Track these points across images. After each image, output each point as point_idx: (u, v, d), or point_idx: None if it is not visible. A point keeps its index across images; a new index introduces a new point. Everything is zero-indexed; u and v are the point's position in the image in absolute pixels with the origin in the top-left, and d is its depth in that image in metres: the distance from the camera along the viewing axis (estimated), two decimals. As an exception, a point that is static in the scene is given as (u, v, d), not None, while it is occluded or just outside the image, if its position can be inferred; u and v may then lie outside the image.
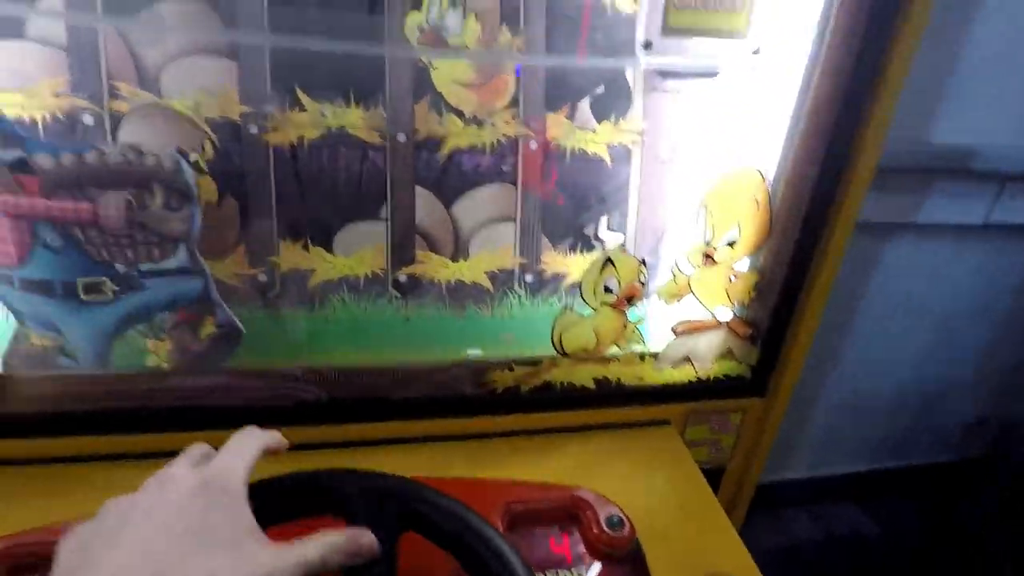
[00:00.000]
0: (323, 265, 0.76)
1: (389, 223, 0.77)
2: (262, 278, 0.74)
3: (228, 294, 0.72)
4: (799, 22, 0.64)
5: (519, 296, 0.84)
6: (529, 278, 0.84)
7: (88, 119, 0.64)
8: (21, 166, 0.57)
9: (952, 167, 1.24)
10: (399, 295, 0.80)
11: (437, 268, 0.80)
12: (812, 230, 0.73)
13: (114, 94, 0.64)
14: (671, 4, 0.62)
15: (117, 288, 0.62)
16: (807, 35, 0.65)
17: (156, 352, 0.68)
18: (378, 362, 0.76)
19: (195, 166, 0.67)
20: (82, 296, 0.62)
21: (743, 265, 0.76)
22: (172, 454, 0.45)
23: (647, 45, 0.68)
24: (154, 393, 0.67)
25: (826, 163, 0.68)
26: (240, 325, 0.69)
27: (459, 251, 0.82)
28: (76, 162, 0.59)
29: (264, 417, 0.70)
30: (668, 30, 0.63)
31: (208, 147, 0.68)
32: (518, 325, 0.84)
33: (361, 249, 0.77)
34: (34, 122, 0.62)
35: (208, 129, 0.68)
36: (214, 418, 0.69)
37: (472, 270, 0.82)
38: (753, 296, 0.78)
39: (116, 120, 0.65)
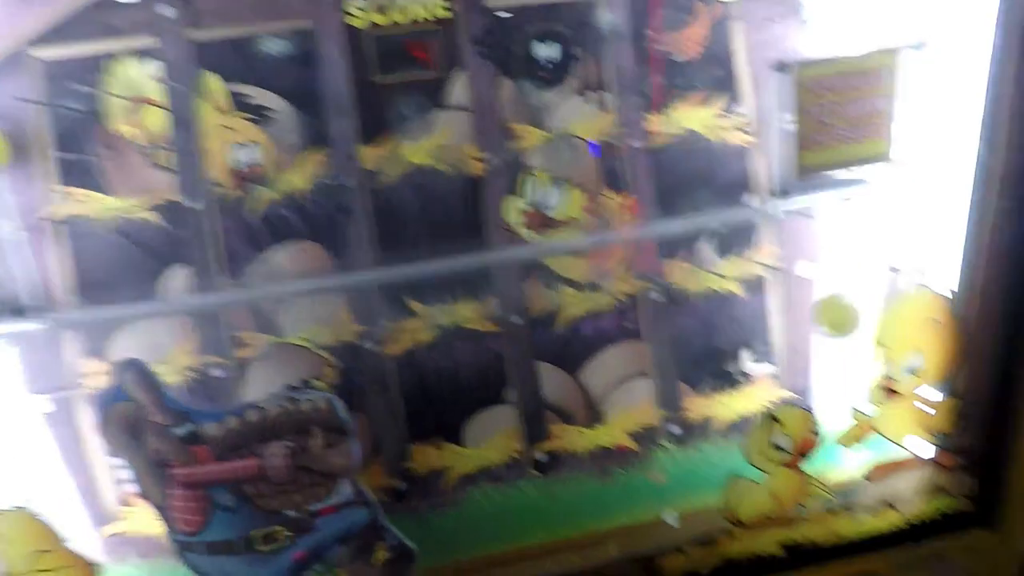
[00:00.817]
0: (457, 460, 0.72)
1: (517, 404, 0.73)
2: (401, 486, 0.71)
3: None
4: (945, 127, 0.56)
5: (668, 450, 0.76)
6: (675, 428, 0.76)
7: (219, 372, 0.66)
8: (192, 438, 0.60)
9: None
10: (540, 473, 0.74)
11: (574, 439, 0.74)
12: (1017, 334, 0.61)
13: (237, 342, 0.66)
14: (802, 143, 0.55)
15: (291, 533, 0.63)
16: (956, 139, 0.56)
17: None
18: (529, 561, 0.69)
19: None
20: (262, 547, 0.63)
21: (934, 394, 0.65)
22: None
23: (783, 193, 0.60)
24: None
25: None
26: (411, 545, 0.67)
27: (594, 417, 0.76)
28: (239, 422, 0.61)
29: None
30: (803, 170, 0.56)
31: (328, 372, 0.68)
32: (672, 478, 0.76)
33: (492, 436, 0.73)
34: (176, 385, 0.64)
35: (325, 354, 0.67)
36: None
37: (611, 433, 0.75)
38: (958, 423, 0.65)
39: (243, 367, 0.66)
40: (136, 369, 0.58)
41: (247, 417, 0.59)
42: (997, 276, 0.58)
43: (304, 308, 0.67)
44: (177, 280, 0.64)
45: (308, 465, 0.61)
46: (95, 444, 0.63)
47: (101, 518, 0.67)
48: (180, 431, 0.59)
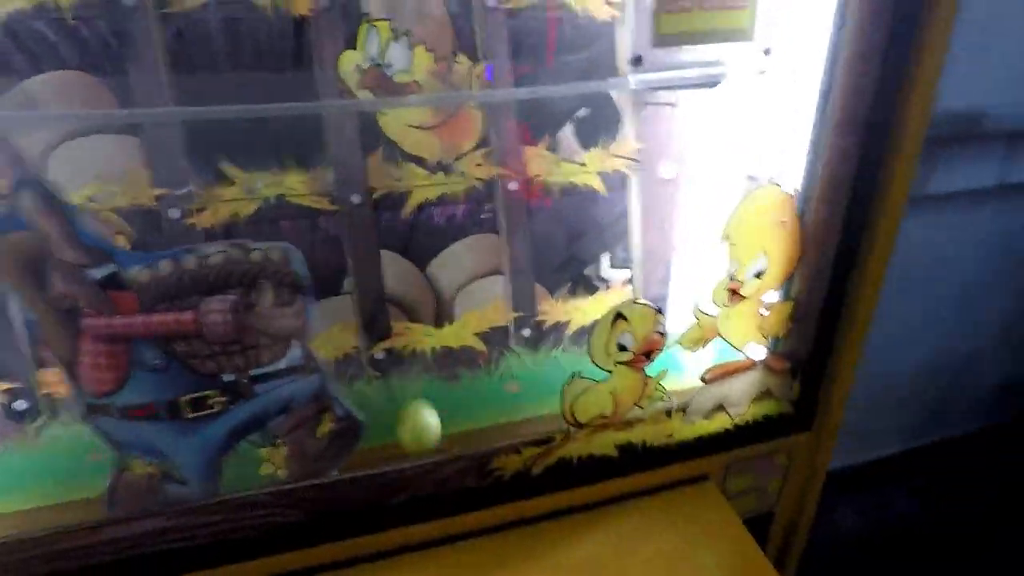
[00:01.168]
0: (285, 355, 0.64)
1: (355, 297, 0.65)
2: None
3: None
4: (811, 12, 0.53)
5: (518, 354, 0.73)
6: (527, 332, 0.73)
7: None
8: (113, 282, 0.49)
9: (960, 132, 1.15)
10: (378, 374, 0.69)
11: (419, 338, 0.69)
12: (852, 239, 0.62)
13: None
14: (661, 8, 0.50)
15: (225, 399, 0.56)
16: (822, 26, 0.54)
17: (272, 460, 0.59)
18: (365, 462, 0.64)
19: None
20: (188, 414, 0.55)
21: (772, 295, 0.65)
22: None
23: (636, 60, 0.56)
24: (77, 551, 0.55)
25: (865, 159, 0.57)
26: (360, 417, 0.60)
27: (443, 315, 0.70)
28: (174, 268, 0.50)
29: (235, 552, 0.59)
30: (660, 39, 0.51)
31: (122, 241, 0.56)
32: (521, 382, 0.73)
33: (327, 330, 0.66)
34: None
35: (120, 220, 0.56)
36: (174, 560, 0.58)
37: (460, 334, 0.70)
38: (790, 326, 0.67)
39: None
40: (36, 189, 0.46)
41: (184, 263, 0.51)
42: (838, 179, 0.58)
43: (85, 158, 0.54)
44: None
45: (254, 324, 0.53)
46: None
47: None
48: (97, 272, 0.49)
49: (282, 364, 0.56)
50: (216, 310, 0.51)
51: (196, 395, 0.55)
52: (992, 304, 1.50)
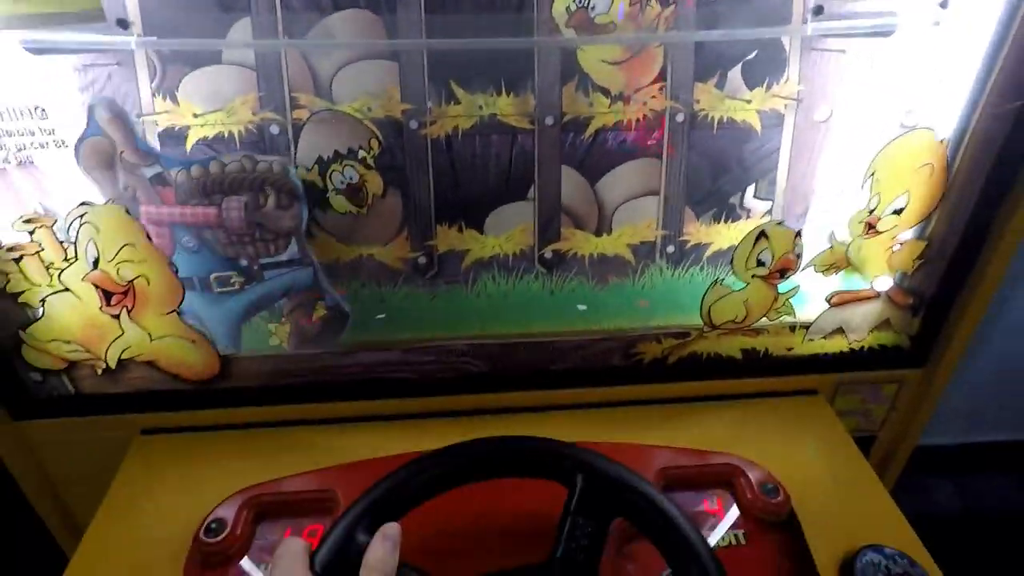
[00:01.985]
0: (475, 245, 0.81)
1: (536, 203, 0.80)
2: (422, 260, 0.81)
3: (393, 276, 0.80)
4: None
5: (660, 267, 0.85)
6: (671, 249, 0.84)
7: (275, 129, 0.72)
8: (159, 180, 0.67)
9: None
10: (545, 270, 0.84)
11: (581, 243, 0.83)
12: (995, 191, 0.67)
13: (295, 104, 0.71)
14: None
15: (242, 280, 0.72)
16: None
17: (277, 334, 0.77)
18: (529, 336, 0.81)
19: (363, 162, 0.74)
20: (215, 289, 0.72)
21: (908, 234, 0.72)
22: (360, 419, 0.65)
23: (818, 10, 0.63)
24: (342, 368, 0.76)
25: (1016, 125, 0.62)
26: (347, 307, 0.76)
27: (603, 226, 0.84)
28: (202, 173, 0.67)
29: (434, 387, 0.79)
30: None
31: (374, 144, 0.74)
32: (658, 295, 0.85)
33: (510, 229, 0.81)
34: (232, 136, 0.71)
35: (374, 128, 0.73)
36: (392, 388, 0.78)
37: (614, 243, 0.84)
38: (917, 265, 0.73)
39: (297, 128, 0.72)
40: (109, 106, 0.63)
41: (210, 169, 0.66)
42: (990, 137, 0.63)
43: (359, 79, 0.71)
44: (240, 32, 0.68)
45: (260, 221, 0.68)
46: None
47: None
48: (149, 172, 0.66)
49: (284, 256, 0.71)
50: (233, 207, 0.66)
51: (220, 274, 0.70)
52: None
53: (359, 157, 0.74)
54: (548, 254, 0.83)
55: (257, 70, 0.70)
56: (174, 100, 0.68)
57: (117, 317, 0.71)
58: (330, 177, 0.75)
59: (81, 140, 0.64)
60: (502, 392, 0.78)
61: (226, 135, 0.71)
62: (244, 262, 0.71)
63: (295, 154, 0.74)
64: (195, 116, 0.68)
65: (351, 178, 0.75)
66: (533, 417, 0.80)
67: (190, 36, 0.67)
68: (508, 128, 0.75)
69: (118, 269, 0.68)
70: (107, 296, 0.69)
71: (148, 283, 0.69)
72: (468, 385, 0.78)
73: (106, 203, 0.66)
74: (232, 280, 0.71)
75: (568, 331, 0.83)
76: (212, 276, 0.71)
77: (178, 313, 0.73)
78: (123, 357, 0.74)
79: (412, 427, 0.79)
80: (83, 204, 0.65)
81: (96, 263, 0.68)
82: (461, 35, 0.68)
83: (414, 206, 0.78)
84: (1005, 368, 1.47)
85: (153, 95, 0.68)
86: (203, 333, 0.74)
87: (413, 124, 0.74)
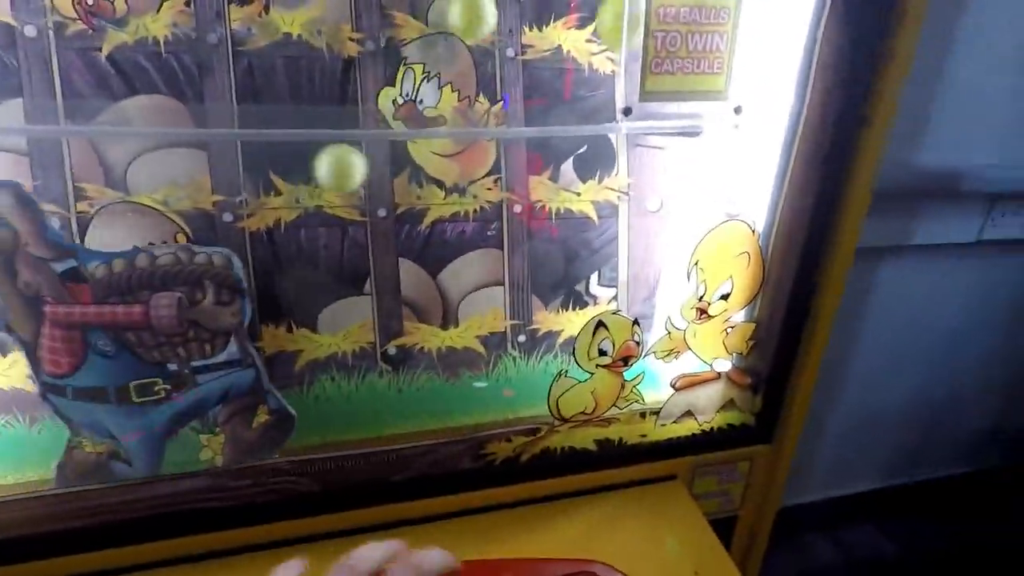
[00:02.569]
0: (309, 345, 0.74)
1: (374, 297, 0.75)
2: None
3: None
4: (779, 76, 0.64)
5: (513, 357, 0.82)
6: (522, 339, 0.82)
7: (55, 223, 0.63)
8: (73, 275, 0.57)
9: (940, 189, 1.24)
10: (389, 368, 0.78)
11: (427, 337, 0.78)
12: (807, 274, 0.72)
13: (80, 195, 0.63)
14: (647, 69, 0.61)
15: (169, 387, 0.62)
16: (788, 88, 0.64)
17: (210, 446, 0.67)
18: (373, 443, 0.73)
19: (171, 258, 0.66)
20: (134, 399, 0.61)
21: (739, 316, 0.75)
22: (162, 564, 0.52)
23: (627, 112, 0.67)
24: (134, 503, 0.64)
25: (818, 207, 0.67)
26: (291, 410, 0.67)
27: (448, 319, 0.80)
28: (127, 266, 0.58)
29: (257, 515, 0.68)
30: (646, 95, 0.62)
31: (181, 239, 0.66)
32: (517, 385, 0.82)
33: (348, 325, 0.75)
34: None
35: (180, 221, 0.66)
36: (206, 520, 0.66)
37: (463, 336, 0.80)
38: (751, 345, 0.76)
39: (83, 223, 0.63)
40: (16, 193, 0.54)
41: (136, 262, 0.58)
42: (797, 217, 0.68)
43: (160, 168, 0.65)
44: (11, 113, 0.59)
45: (196, 319, 0.60)
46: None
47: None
48: (60, 266, 0.56)
49: (221, 357, 0.62)
50: (164, 304, 0.58)
51: (143, 381, 0.60)
52: (973, 351, 1.57)
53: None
54: (392, 350, 0.77)
55: (31, 156, 0.61)
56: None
57: None
58: (128, 277, 0.66)
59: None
60: (336, 512, 0.69)
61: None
62: (172, 366, 0.61)
63: (82, 252, 0.64)
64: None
65: (154, 277, 0.66)
66: (378, 536, 0.71)
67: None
68: (337, 220, 0.71)
69: None
70: None
71: None
72: (296, 509, 0.68)
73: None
74: (157, 388, 0.61)
75: (420, 431, 0.77)
76: (132, 384, 0.60)
77: (72, 427, 0.60)
78: None
79: (231, 566, 0.67)
80: None
81: None
82: (277, 125, 0.64)
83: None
84: (861, 421, 1.58)
85: None
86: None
87: (227, 217, 0.67)
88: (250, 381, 0.64)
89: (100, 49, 0.59)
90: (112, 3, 0.58)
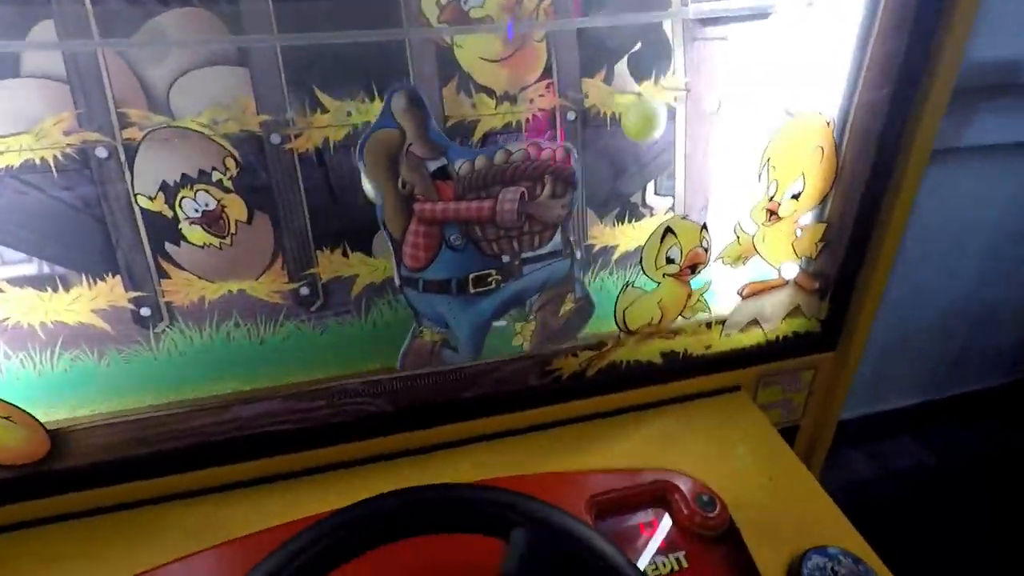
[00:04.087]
0: (365, 269, 0.72)
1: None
2: (304, 291, 0.71)
3: (272, 312, 0.69)
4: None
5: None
6: (578, 255, 0.80)
7: (102, 152, 0.60)
8: (442, 173, 0.60)
9: (994, 83, 1.17)
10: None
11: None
12: (883, 171, 0.68)
13: (125, 122, 0.60)
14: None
15: (500, 278, 0.66)
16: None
17: (522, 334, 0.70)
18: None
19: (219, 185, 0.64)
20: (471, 289, 0.65)
21: (807, 218, 0.72)
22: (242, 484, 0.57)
23: None
24: (211, 427, 0.64)
25: (896, 98, 0.63)
26: (594, 297, 0.70)
27: (503, 237, 0.78)
28: (486, 164, 0.61)
29: (328, 436, 0.68)
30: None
31: (230, 164, 0.64)
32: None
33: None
34: (44, 162, 0.59)
35: (228, 145, 0.63)
36: (277, 444, 0.67)
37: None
38: (820, 247, 0.73)
39: (131, 150, 0.61)
40: (409, 96, 0.57)
41: (495, 158, 0.61)
42: (872, 114, 0.63)
43: (202, 89, 0.61)
44: (44, 34, 0.56)
45: (533, 212, 0.63)
46: None
47: None
48: (433, 165, 0.60)
49: (546, 249, 0.66)
50: (510, 198, 0.60)
51: (480, 273, 0.64)
52: (1018, 259, 1.53)
53: (213, 180, 0.64)
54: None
55: (70, 82, 0.58)
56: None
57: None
58: (180, 205, 0.64)
59: (371, 132, 0.58)
60: (408, 432, 0.69)
61: (37, 162, 0.59)
62: (506, 258, 0.65)
63: (132, 181, 0.62)
64: (-10, 140, 0.56)
65: (206, 204, 0.64)
66: (446, 455, 0.72)
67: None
68: (387, 136, 0.68)
69: None
70: None
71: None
72: (368, 430, 0.68)
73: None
74: (490, 279, 0.65)
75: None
76: (471, 276, 0.65)
77: (418, 317, 0.66)
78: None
79: (308, 486, 0.68)
80: None
81: None
82: (318, 29, 0.60)
83: (287, 231, 0.68)
84: (901, 333, 1.56)
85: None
86: (22, 409, 0.60)
87: (275, 139, 0.64)
88: (566, 271, 0.68)
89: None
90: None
